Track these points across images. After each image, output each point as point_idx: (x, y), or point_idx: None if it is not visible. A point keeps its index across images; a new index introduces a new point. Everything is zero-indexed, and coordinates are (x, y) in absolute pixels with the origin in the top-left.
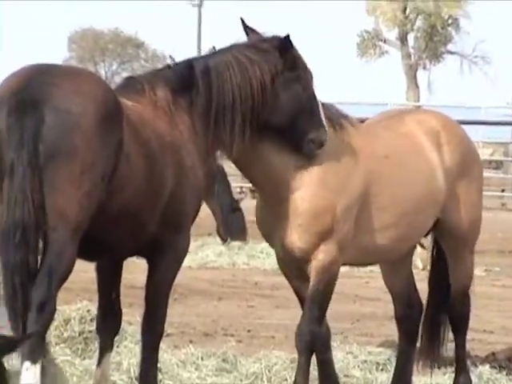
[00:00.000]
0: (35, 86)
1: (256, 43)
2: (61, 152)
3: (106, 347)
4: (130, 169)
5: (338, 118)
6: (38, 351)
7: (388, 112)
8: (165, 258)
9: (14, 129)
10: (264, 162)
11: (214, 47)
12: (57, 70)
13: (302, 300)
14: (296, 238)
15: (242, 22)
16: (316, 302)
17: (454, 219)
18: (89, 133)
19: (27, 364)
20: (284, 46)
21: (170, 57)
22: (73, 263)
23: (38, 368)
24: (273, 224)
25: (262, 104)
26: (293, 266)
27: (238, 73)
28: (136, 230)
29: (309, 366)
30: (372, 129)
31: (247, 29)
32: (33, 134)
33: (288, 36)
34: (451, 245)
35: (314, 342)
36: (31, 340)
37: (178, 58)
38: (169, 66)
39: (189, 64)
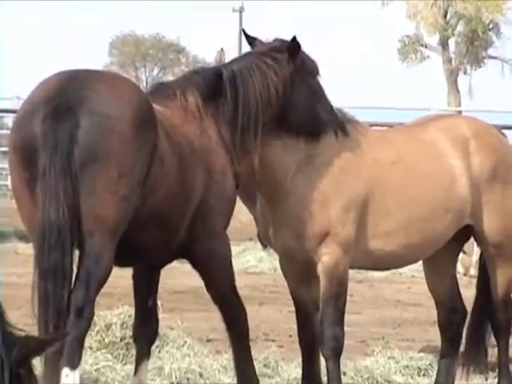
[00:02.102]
0: (70, 92)
1: (268, 50)
2: (97, 156)
3: (142, 355)
4: (163, 172)
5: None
6: (76, 356)
7: (424, 118)
8: (209, 266)
9: (49, 134)
10: (264, 162)
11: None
12: (91, 75)
13: (297, 302)
14: (293, 242)
15: (244, 32)
16: (330, 305)
17: (485, 227)
18: (125, 137)
19: (67, 370)
20: (293, 47)
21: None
22: (111, 267)
23: (77, 374)
24: (272, 226)
25: (279, 110)
26: (292, 268)
27: (260, 79)
28: (166, 234)
29: (339, 370)
30: (387, 134)
31: (250, 39)
32: (67, 139)
33: (295, 37)
34: (487, 252)
35: (339, 346)
36: (70, 345)
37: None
38: (197, 72)
39: (217, 70)
